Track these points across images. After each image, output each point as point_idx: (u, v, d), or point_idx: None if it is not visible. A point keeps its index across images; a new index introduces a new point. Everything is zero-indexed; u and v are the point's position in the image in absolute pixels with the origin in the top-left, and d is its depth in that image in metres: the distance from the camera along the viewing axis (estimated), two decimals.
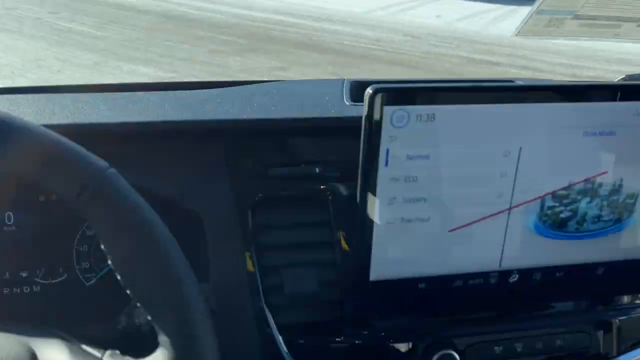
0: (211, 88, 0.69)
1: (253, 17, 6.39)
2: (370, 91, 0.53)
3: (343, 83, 0.71)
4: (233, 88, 0.72)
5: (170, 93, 0.67)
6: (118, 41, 5.30)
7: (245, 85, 0.73)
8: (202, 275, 0.60)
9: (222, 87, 0.70)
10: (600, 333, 0.68)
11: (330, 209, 0.64)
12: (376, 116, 0.54)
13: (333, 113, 0.64)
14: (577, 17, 1.10)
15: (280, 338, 0.61)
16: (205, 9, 6.56)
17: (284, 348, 0.61)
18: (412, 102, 0.54)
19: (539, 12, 1.09)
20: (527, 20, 1.13)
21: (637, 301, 0.69)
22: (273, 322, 0.61)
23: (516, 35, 1.17)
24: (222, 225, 0.60)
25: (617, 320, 0.69)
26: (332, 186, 0.64)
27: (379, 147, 0.55)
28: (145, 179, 0.52)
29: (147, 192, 0.42)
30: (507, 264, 0.63)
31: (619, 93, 0.58)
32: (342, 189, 0.63)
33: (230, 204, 0.61)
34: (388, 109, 0.54)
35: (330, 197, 0.63)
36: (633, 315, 0.69)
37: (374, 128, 0.54)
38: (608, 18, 1.14)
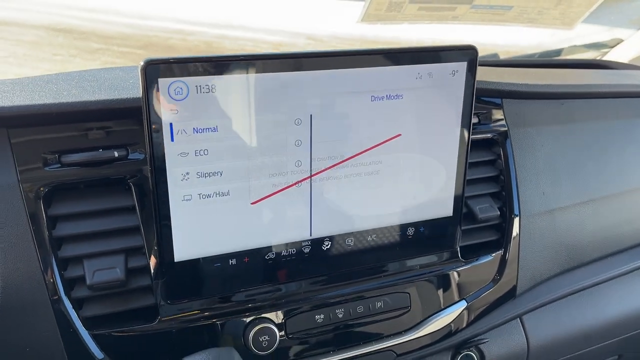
0: None
1: (150, 26, 6.20)
2: (143, 63, 0.52)
3: None
4: (32, 77, 0.68)
5: None
6: (1, 58, 4.95)
7: (46, 74, 0.69)
8: None
9: None
10: (419, 292, 0.71)
11: (134, 193, 0.61)
12: (152, 89, 0.52)
13: (130, 95, 0.61)
14: (413, 1, 1.16)
15: (87, 332, 0.58)
16: (97, 20, 6.28)
17: (90, 342, 0.58)
18: (189, 74, 0.53)
19: None
20: (368, 5, 1.17)
21: (447, 259, 0.73)
22: (76, 316, 0.58)
23: (361, 21, 1.22)
24: (9, 219, 0.57)
25: (434, 279, 0.72)
26: (134, 169, 0.61)
27: (161, 121, 0.54)
28: None
29: None
30: (318, 232, 0.64)
31: (400, 58, 0.61)
32: (146, 172, 0.61)
33: (17, 195, 0.57)
34: (164, 81, 0.53)
35: (132, 181, 0.61)
36: (446, 273, 0.73)
37: (153, 102, 0.53)
38: (442, 1, 1.20)
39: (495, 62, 1.22)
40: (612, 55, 1.49)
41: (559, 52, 1.59)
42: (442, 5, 1.19)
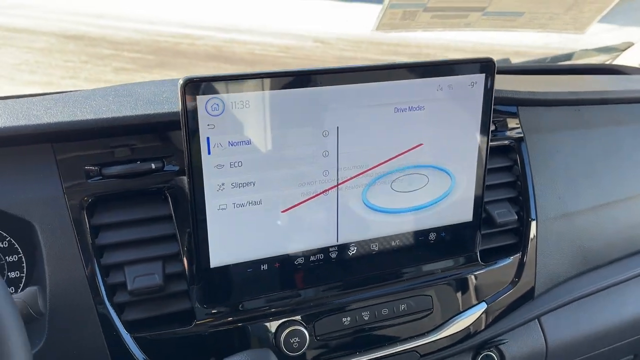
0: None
1: (159, 31, 6.25)
2: (182, 82, 0.55)
3: None
4: (71, 92, 0.72)
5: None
6: (13, 65, 5.02)
7: (84, 90, 0.73)
8: (39, 279, 0.60)
9: None
10: (441, 294, 0.74)
11: (170, 203, 0.65)
12: (191, 106, 0.56)
13: (166, 109, 0.65)
14: (427, 9, 1.19)
15: (128, 335, 0.62)
16: (107, 26, 6.34)
17: (132, 344, 0.62)
18: (225, 91, 0.57)
19: (391, 6, 1.16)
20: (382, 15, 1.20)
21: (468, 263, 0.75)
22: (118, 320, 0.61)
23: (375, 30, 1.24)
24: (55, 229, 0.60)
25: (454, 282, 0.74)
26: (170, 180, 0.65)
27: (199, 135, 0.57)
28: None
29: None
30: (345, 238, 0.67)
31: (422, 71, 0.64)
32: (181, 182, 0.65)
33: (63, 207, 0.61)
34: (201, 98, 0.56)
35: (168, 191, 0.65)
36: (467, 276, 0.75)
37: (191, 117, 0.56)
38: (455, 9, 1.23)
39: (510, 69, 1.24)
40: (622, 59, 1.51)
41: (569, 55, 1.61)
42: (455, 13, 1.22)
